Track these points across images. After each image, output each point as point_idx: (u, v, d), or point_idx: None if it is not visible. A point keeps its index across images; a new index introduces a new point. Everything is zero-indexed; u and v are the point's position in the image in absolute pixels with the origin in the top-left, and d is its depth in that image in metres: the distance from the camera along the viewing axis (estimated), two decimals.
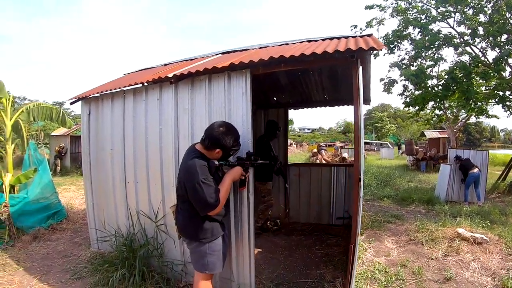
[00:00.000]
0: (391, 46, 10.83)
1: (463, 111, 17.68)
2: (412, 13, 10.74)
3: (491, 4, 10.03)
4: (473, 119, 23.05)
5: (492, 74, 9.59)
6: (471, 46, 10.38)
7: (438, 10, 10.61)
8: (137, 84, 4.06)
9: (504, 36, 9.69)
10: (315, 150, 20.47)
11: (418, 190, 10.91)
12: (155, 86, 4.03)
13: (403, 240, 5.77)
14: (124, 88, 4.27)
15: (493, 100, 10.43)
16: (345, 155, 20.03)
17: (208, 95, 3.66)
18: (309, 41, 4.47)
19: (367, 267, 4.58)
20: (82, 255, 5.02)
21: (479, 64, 9.95)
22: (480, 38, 10.25)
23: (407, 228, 6.38)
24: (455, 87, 9.35)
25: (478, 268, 4.54)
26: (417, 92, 10.25)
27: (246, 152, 3.20)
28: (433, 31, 10.13)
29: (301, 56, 3.18)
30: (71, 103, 4.85)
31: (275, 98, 6.59)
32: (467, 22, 10.21)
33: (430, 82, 10.02)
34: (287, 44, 4.59)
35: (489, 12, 9.99)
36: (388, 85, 10.77)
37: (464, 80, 9.23)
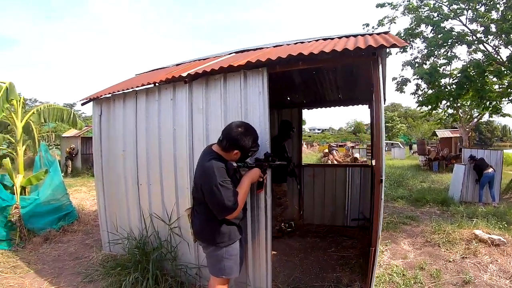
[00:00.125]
0: None
1: (475, 110, 17.43)
2: (424, 11, 10.58)
3: (504, 0, 9.83)
4: (485, 118, 22.70)
5: (505, 72, 9.38)
6: (484, 44, 10.19)
7: (450, 8, 10.43)
8: (150, 84, 3.99)
9: None
10: (326, 150, 20.26)
11: (431, 190, 10.72)
12: (168, 86, 3.94)
13: (419, 242, 5.64)
14: (137, 88, 4.20)
15: (506, 99, 10.22)
16: (356, 155, 19.79)
17: (223, 94, 3.58)
18: (324, 39, 4.36)
19: (384, 270, 4.46)
20: (94, 258, 4.96)
21: (493, 62, 9.75)
22: (493, 36, 10.05)
23: (423, 229, 6.24)
24: (468, 86, 9.17)
25: (497, 270, 4.41)
26: (430, 91, 10.08)
27: (264, 153, 3.10)
28: (445, 29, 9.96)
29: (320, 54, 3.09)
30: (83, 104, 4.79)
31: (288, 98, 6.49)
32: (479, 20, 10.02)
33: (443, 81, 9.85)
34: (302, 42, 4.49)
35: (501, 9, 9.80)
36: (401, 84, 10.61)
37: (478, 78, 9.05)
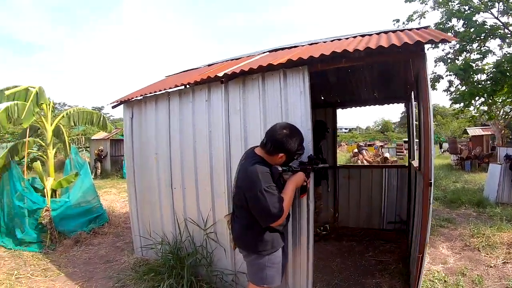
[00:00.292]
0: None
1: (508, 106, 16.77)
2: (455, 4, 10.16)
3: None
4: None
5: None
6: None
7: (481, 0, 9.99)
8: (184, 85, 3.88)
9: None
10: (356, 150, 19.86)
11: (465, 191, 10.30)
12: (202, 86, 3.83)
13: (458, 246, 5.39)
14: (169, 90, 4.10)
15: None
16: (387, 155, 19.31)
17: (262, 95, 3.42)
18: (362, 36, 4.15)
19: (425, 276, 4.24)
20: (125, 262, 4.91)
21: None
22: None
23: (461, 233, 5.97)
24: (503, 81, 8.74)
25: None
26: (463, 88, 9.68)
27: (307, 156, 2.93)
28: (477, 23, 9.54)
29: (366, 50, 2.89)
30: (113, 107, 4.74)
31: (322, 97, 6.30)
32: (510, 12, 9.56)
33: (477, 77, 9.42)
34: (338, 39, 4.29)
35: None
36: (433, 81, 10.23)
37: None
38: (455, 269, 4.47)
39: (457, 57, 10.00)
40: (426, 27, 3.98)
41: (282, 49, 4.54)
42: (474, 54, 9.85)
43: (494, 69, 8.89)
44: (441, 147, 34.76)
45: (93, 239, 6.08)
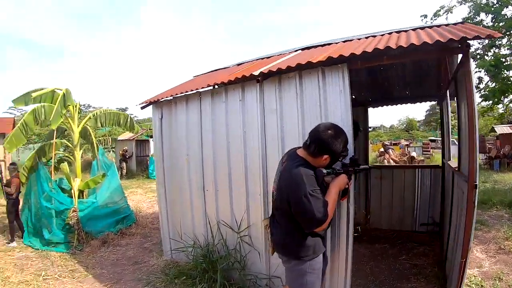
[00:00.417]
0: None
1: None
2: None
3: None
4: None
5: None
6: None
7: None
8: (217, 84, 3.79)
9: None
10: (382, 149, 19.42)
11: (496, 191, 9.98)
12: (236, 86, 3.74)
13: (492, 249, 5.19)
14: (201, 90, 4.02)
15: None
16: (413, 154, 18.82)
17: (299, 94, 3.31)
18: (397, 32, 4.00)
19: None
20: (155, 264, 4.85)
21: None
22: None
23: (495, 235, 5.74)
24: None
25: None
26: (493, 85, 9.35)
27: (349, 157, 2.80)
28: (506, 17, 9.21)
29: (410, 47, 2.75)
30: (142, 108, 4.70)
31: (353, 96, 6.15)
32: None
33: (507, 73, 9.08)
34: (373, 36, 4.13)
35: None
36: None
37: None
38: (491, 273, 4.31)
39: (486, 53, 9.67)
40: (462, 22, 3.83)
41: (315, 47, 4.41)
42: (504, 49, 9.52)
43: None
44: None
45: (120, 240, 6.07)
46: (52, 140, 6.60)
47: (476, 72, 9.55)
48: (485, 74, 9.22)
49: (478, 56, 9.59)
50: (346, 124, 3.03)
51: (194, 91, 4.06)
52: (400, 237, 5.62)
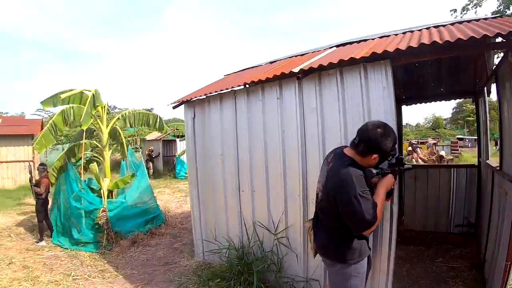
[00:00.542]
0: None
1: None
2: None
3: None
4: None
5: None
6: None
7: None
8: (254, 82, 3.69)
9: None
10: (410, 148, 18.99)
11: None
12: (273, 84, 3.66)
13: None
14: (235, 88, 3.95)
15: None
16: (442, 153, 18.38)
17: (340, 91, 3.22)
18: (435, 27, 3.87)
19: None
20: (186, 265, 4.78)
21: None
22: None
23: None
24: None
25: None
26: None
27: (395, 157, 2.68)
28: None
29: (456, 41, 2.62)
30: (174, 107, 4.66)
31: None
32: None
33: None
34: (411, 31, 4.01)
35: None
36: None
37: None
38: None
39: None
40: (500, 16, 3.68)
41: (350, 43, 4.30)
42: None
43: None
44: (496, 144, 33.14)
45: (150, 240, 6.05)
46: (81, 140, 6.65)
47: None
48: None
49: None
50: (391, 122, 2.91)
51: (229, 90, 3.99)
52: (434, 238, 5.45)
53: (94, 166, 6.23)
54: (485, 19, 3.68)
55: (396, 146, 2.79)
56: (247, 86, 3.91)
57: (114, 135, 6.98)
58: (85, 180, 6.58)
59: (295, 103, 3.48)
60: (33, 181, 6.35)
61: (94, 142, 7.42)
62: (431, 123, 62.71)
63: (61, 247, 5.90)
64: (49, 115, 23.06)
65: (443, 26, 3.84)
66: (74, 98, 6.66)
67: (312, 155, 3.38)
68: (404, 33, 4.07)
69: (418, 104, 6.18)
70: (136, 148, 13.30)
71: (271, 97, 3.69)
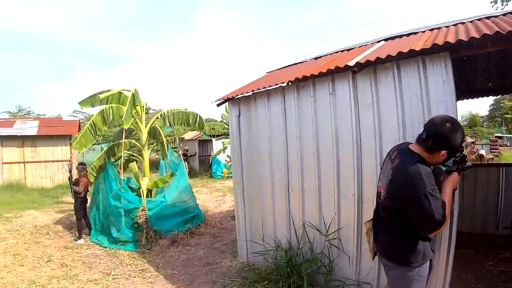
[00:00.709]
0: None
1: None
2: None
3: None
4: None
5: None
6: None
7: None
8: (305, 77, 3.56)
9: None
10: None
11: None
12: (325, 79, 3.53)
13: None
14: (283, 84, 3.84)
15: None
16: (482, 152, 17.74)
17: (398, 86, 3.07)
18: (487, 18, 3.64)
19: None
20: (229, 266, 4.68)
21: None
22: None
23: None
24: None
25: None
26: None
27: (462, 154, 2.50)
28: None
29: None
30: (218, 105, 4.62)
31: None
32: None
33: None
34: (462, 23, 3.79)
35: None
36: None
37: None
38: None
39: None
40: None
41: (399, 36, 4.11)
42: None
43: None
44: None
45: (189, 240, 6.01)
46: (121, 140, 6.71)
47: None
48: None
49: None
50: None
51: (277, 86, 3.90)
52: (483, 241, 5.22)
53: (133, 165, 6.26)
54: None
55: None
56: (282, 84, 3.82)
57: (154, 134, 7.01)
58: (124, 179, 6.63)
59: (349, 99, 3.35)
60: (72, 180, 6.47)
61: (133, 141, 7.48)
62: (467, 121, 60.61)
63: (100, 246, 5.96)
64: (85, 117, 23.70)
65: (495, 17, 3.63)
66: (112, 98, 6.74)
67: (367, 153, 3.25)
68: (455, 25, 3.87)
69: (465, 100, 5.92)
70: (174, 147, 13.42)
71: (323, 92, 3.57)
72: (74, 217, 6.59)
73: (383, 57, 2.97)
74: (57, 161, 14.11)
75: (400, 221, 2.25)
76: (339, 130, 3.45)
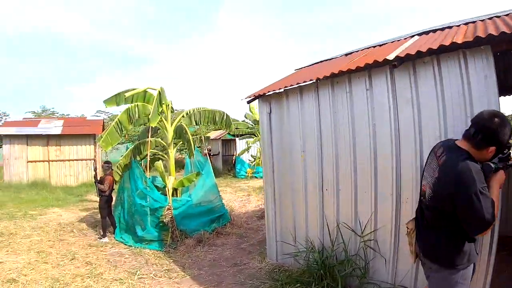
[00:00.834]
0: None
1: None
2: None
3: None
4: None
5: None
6: None
7: None
8: (342, 71, 3.46)
9: None
10: None
11: None
12: (361, 74, 3.43)
13: None
14: (317, 80, 3.74)
15: None
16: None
17: (438, 81, 2.96)
18: None
19: None
20: (258, 267, 4.58)
21: None
22: None
23: None
24: None
25: None
26: None
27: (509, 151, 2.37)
28: None
29: None
30: (248, 102, 4.56)
31: None
32: None
33: None
34: (497, 16, 3.62)
35: None
36: None
37: None
38: None
39: None
40: None
41: (433, 31, 3.97)
42: None
43: None
44: None
45: (216, 240, 5.96)
46: (146, 138, 6.72)
47: None
48: None
49: None
50: None
51: (311, 82, 3.82)
52: None
53: (159, 164, 6.26)
54: None
55: None
56: (331, 77, 3.68)
57: (179, 133, 6.99)
58: (149, 178, 6.63)
59: (387, 94, 3.24)
60: (97, 178, 6.51)
61: (159, 139, 7.49)
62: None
63: (124, 244, 5.96)
64: (108, 117, 24.06)
65: None
66: (137, 97, 6.75)
67: (406, 151, 3.14)
68: (490, 18, 3.71)
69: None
70: (198, 147, 13.48)
71: (359, 88, 3.46)
72: (99, 215, 6.64)
73: (424, 51, 2.88)
74: (81, 159, 14.41)
75: (446, 221, 2.16)
76: (376, 127, 3.34)
